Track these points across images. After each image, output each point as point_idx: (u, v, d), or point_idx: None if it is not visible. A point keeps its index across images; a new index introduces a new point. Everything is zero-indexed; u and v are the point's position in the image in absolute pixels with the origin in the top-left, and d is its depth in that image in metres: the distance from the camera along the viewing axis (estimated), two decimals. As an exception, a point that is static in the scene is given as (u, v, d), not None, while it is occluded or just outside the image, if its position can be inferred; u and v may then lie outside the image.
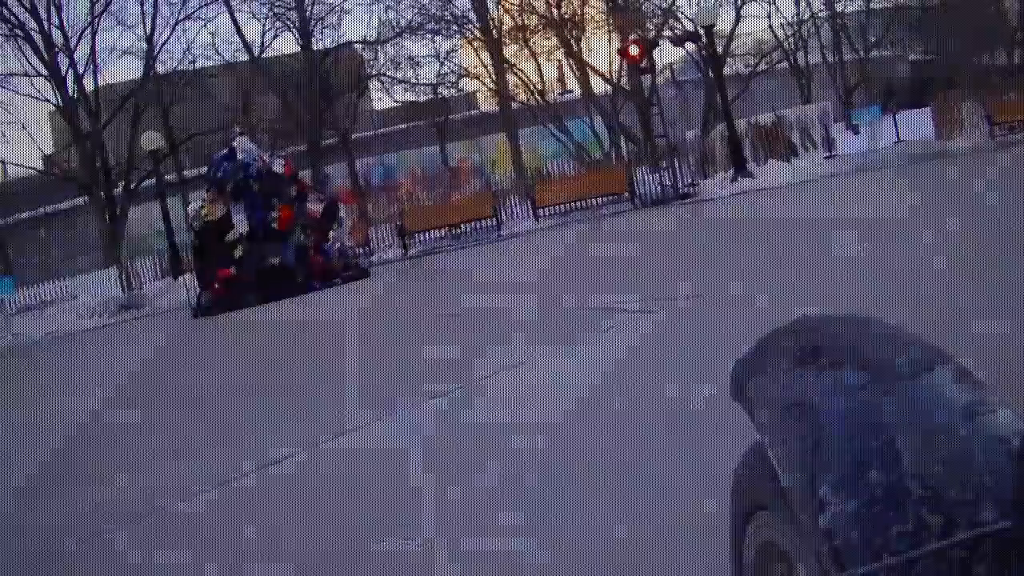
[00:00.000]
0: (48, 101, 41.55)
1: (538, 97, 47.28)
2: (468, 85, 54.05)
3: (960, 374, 1.51)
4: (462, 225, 34.48)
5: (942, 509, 1.30)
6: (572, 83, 56.11)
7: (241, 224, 24.56)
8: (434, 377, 8.69)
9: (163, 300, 31.01)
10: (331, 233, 25.65)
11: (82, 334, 28.46)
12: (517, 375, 8.25)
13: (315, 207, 25.74)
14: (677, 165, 32.20)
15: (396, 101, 52.83)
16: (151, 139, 31.07)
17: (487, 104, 55.39)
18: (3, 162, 52.73)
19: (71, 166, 44.68)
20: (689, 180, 32.13)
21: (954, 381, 1.50)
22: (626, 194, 33.12)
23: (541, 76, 49.23)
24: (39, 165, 45.34)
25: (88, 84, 42.34)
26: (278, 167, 25.98)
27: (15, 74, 41.83)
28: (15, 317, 35.40)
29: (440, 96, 51.04)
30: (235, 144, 25.75)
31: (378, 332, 13.17)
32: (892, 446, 1.39)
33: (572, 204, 34.12)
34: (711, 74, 46.74)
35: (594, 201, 33.93)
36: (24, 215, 50.85)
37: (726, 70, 41.83)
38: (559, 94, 54.01)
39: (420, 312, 14.38)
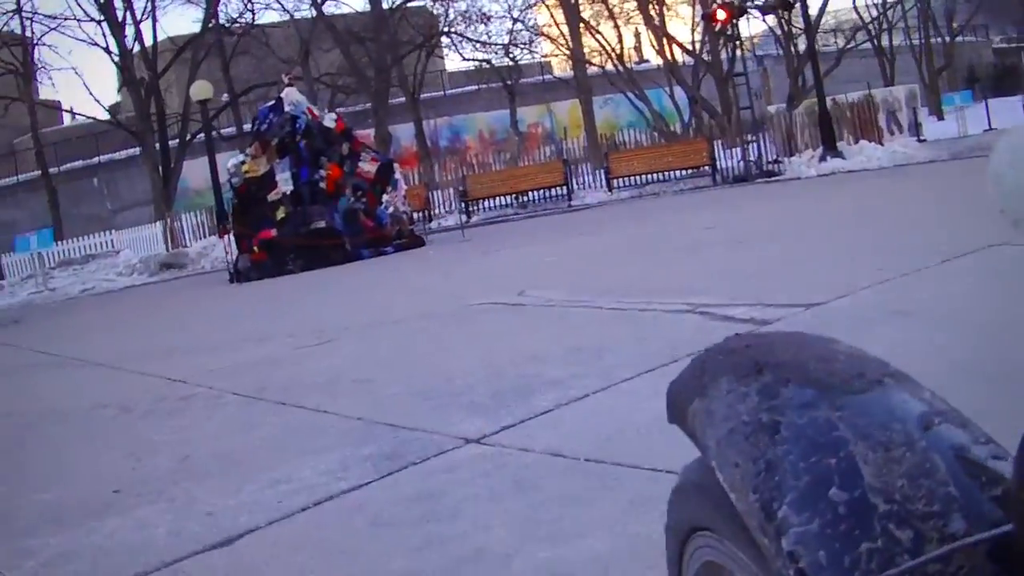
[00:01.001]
0: (104, 48, 39.83)
1: (616, 62, 44.88)
2: (541, 47, 52.26)
3: (909, 385, 1.51)
4: (530, 193, 32.68)
5: (910, 523, 1.26)
6: (648, 54, 54.54)
7: (285, 183, 22.35)
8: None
9: (206, 260, 29.22)
10: (385, 196, 23.37)
11: (116, 293, 26.60)
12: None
13: (368, 167, 23.45)
14: (762, 141, 29.73)
15: (466, 59, 51.04)
16: (201, 89, 28.97)
17: (559, 69, 53.79)
18: (69, 110, 51.24)
19: (126, 115, 42.99)
20: (773, 157, 29.73)
21: (904, 392, 1.48)
22: (706, 169, 31.10)
23: (620, 39, 47.06)
24: (98, 112, 43.74)
25: (146, 32, 41.14)
26: (329, 122, 23.67)
27: (71, 19, 40.48)
28: (55, 271, 33.97)
29: (512, 56, 49.10)
30: (282, 95, 23.49)
31: (429, 321, 10.89)
32: (851, 462, 1.35)
33: (648, 176, 32.33)
34: (792, 50, 45.48)
35: (672, 175, 32.10)
36: (78, 163, 49.52)
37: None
38: (635, 63, 52.05)
39: (485, 294, 12.07)
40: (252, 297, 17.98)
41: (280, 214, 22.25)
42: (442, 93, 56.32)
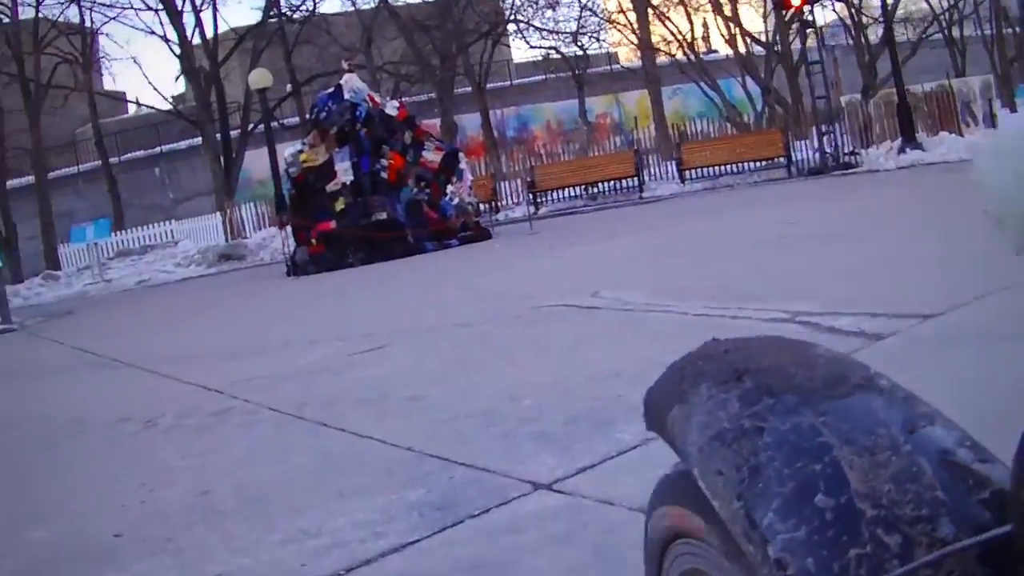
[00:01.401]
0: (162, 37, 39.28)
1: (688, 51, 43.73)
2: (609, 35, 51.24)
3: (891, 389, 1.48)
4: (599, 184, 31.68)
5: (898, 528, 1.24)
6: (716, 44, 53.60)
7: (345, 172, 21.43)
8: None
9: (265, 252, 28.48)
10: (449, 187, 22.41)
11: (172, 286, 26.00)
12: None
13: (432, 156, 22.47)
14: (837, 132, 28.56)
15: (533, 47, 50.17)
16: (260, 77, 28.17)
17: (626, 59, 52.91)
18: (135, 101, 50.96)
19: (188, 105, 42.56)
20: (849, 148, 28.51)
21: (888, 396, 1.46)
22: (781, 160, 29.98)
23: (692, 26, 45.95)
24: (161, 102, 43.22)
25: (207, 21, 40.68)
26: (391, 109, 22.71)
27: (128, 8, 40.06)
28: (113, 261, 33.47)
29: (580, 44, 48.16)
30: (342, 82, 22.54)
31: (494, 325, 9.89)
32: (836, 467, 1.33)
33: (721, 168, 31.33)
34: (862, 40, 44.11)
35: (745, 166, 31.08)
36: (140, 153, 49.13)
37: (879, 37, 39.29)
38: (703, 53, 51.00)
39: (556, 294, 11.05)
40: (307, 292, 17.09)
41: (339, 205, 21.35)
42: (509, 83, 55.62)
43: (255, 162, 40.91)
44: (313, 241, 21.24)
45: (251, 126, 39.66)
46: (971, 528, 1.23)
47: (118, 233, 38.15)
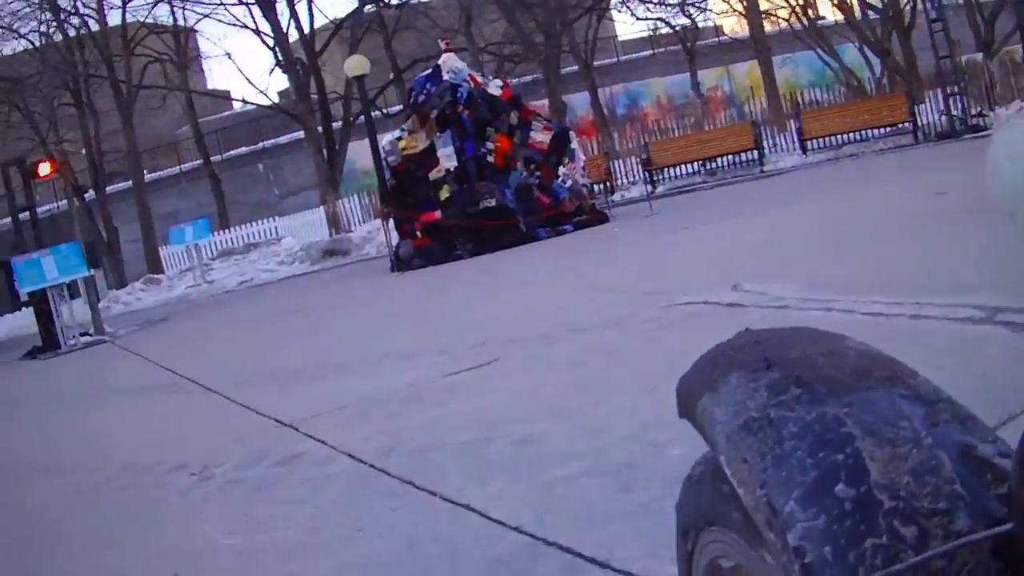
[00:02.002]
0: (254, 30, 38.45)
1: (802, 15, 41.78)
2: (715, 5, 49.51)
3: (919, 383, 1.49)
4: (717, 159, 29.89)
5: (915, 520, 1.26)
6: (823, 10, 51.67)
7: (448, 158, 19.93)
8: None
9: (371, 246, 27.19)
10: (561, 169, 20.83)
11: (273, 286, 24.87)
12: None
13: (541, 137, 20.89)
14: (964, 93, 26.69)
15: (639, 18, 48.64)
16: (356, 64, 26.78)
17: (730, 31, 51.50)
18: (241, 99, 50.43)
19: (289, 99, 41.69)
20: (976, 110, 26.40)
21: (913, 390, 1.47)
22: (906, 126, 28.02)
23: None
24: (264, 97, 42.36)
25: (302, 12, 39.58)
26: (494, 89, 21.17)
27: (220, 3, 39.40)
28: (216, 262, 32.56)
29: (688, 14, 46.52)
30: (440, 62, 21.04)
31: (620, 330, 8.32)
32: (857, 458, 1.34)
33: (843, 137, 29.47)
34: None
35: (868, 134, 29.10)
36: (242, 150, 48.40)
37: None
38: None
39: (689, 288, 9.47)
40: (410, 290, 15.68)
41: (444, 194, 19.88)
42: (616, 59, 54.18)
43: (360, 152, 39.60)
44: (418, 233, 19.82)
45: (353, 116, 38.48)
46: (987, 522, 1.22)
47: (220, 232, 37.35)
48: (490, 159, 20.11)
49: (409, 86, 23.73)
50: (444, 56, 20.89)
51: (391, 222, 20.68)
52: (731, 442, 1.51)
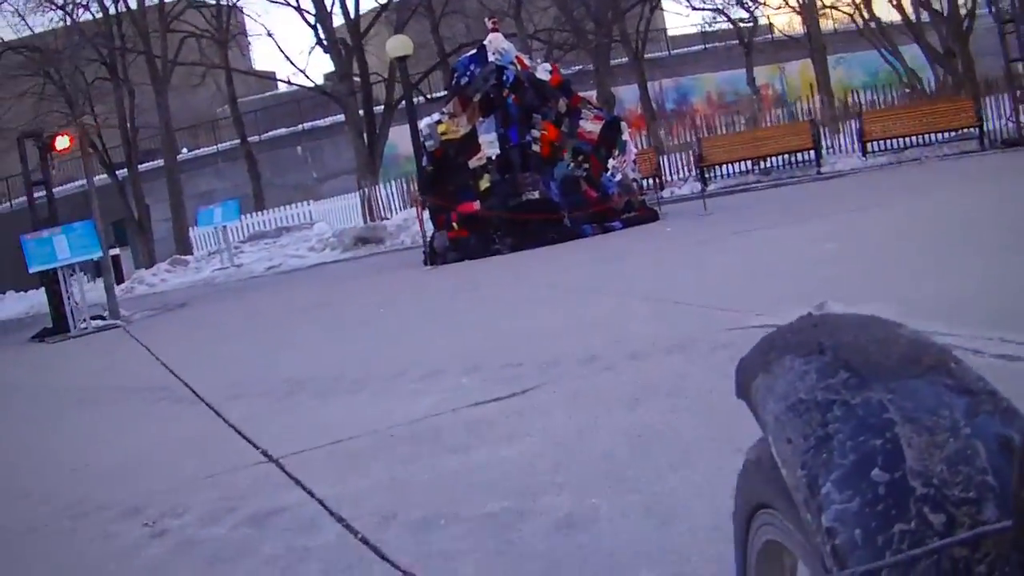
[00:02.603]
0: (295, 7, 37.35)
1: (866, 12, 40.28)
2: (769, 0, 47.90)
3: (963, 372, 1.48)
4: (771, 158, 28.37)
5: (944, 508, 1.27)
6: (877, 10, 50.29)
7: (490, 145, 18.54)
8: None
9: (406, 234, 25.90)
10: (611, 161, 19.39)
11: (300, 273, 23.65)
12: None
13: (591, 126, 19.46)
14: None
15: (696, 8, 47.72)
16: (398, 44, 25.46)
17: (779, 30, 50.03)
18: (287, 80, 49.49)
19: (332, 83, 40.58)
20: (1047, 118, 25.15)
21: (958, 379, 1.46)
22: (971, 131, 26.39)
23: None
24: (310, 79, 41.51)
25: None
26: (543, 73, 19.73)
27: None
28: (246, 245, 31.43)
29: (747, 7, 45.18)
30: (486, 42, 19.58)
31: (683, 356, 6.89)
32: (895, 444, 1.35)
33: (904, 140, 27.84)
34: None
35: (931, 137, 27.54)
36: (282, 131, 47.27)
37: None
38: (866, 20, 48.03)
39: (759, 303, 8.05)
40: (442, 287, 14.29)
41: (484, 183, 18.49)
42: (667, 52, 52.96)
43: (402, 138, 38.36)
44: (454, 225, 18.46)
45: (395, 100, 37.16)
46: (1016, 514, 1.23)
47: (254, 215, 36.25)
48: (535, 148, 18.71)
49: (452, 67, 22.22)
50: (490, 36, 19.44)
51: (426, 212, 19.35)
52: (778, 423, 1.51)
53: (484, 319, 10.14)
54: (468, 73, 19.10)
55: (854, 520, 1.29)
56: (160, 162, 40.35)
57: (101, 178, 41.42)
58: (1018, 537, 1.19)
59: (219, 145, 47.75)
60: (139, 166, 40.51)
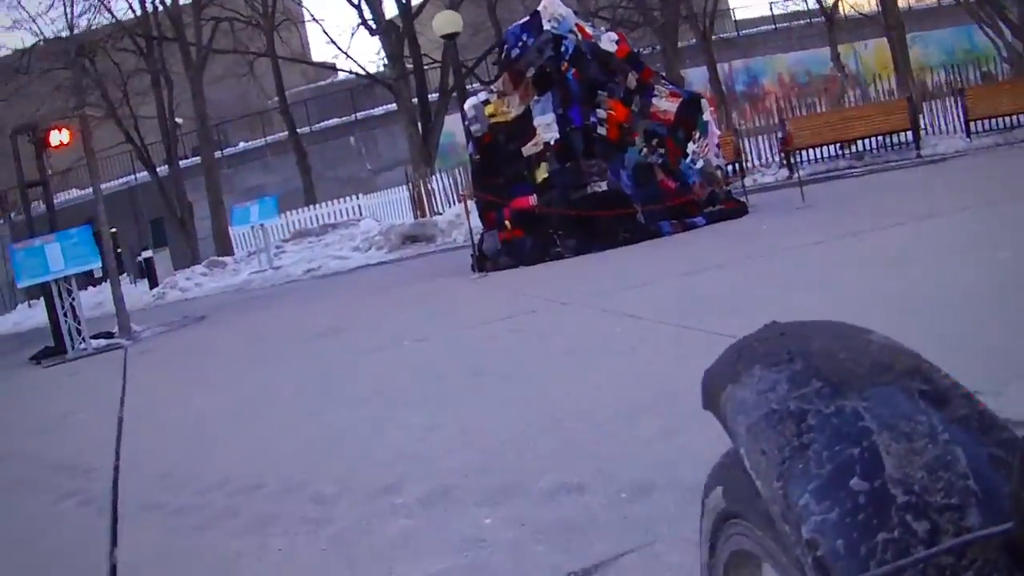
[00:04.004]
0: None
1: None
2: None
3: (937, 377, 1.47)
4: (861, 141, 25.44)
5: (927, 515, 1.25)
6: None
7: (548, 129, 15.76)
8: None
9: (459, 232, 23.27)
10: (691, 145, 16.55)
11: (340, 277, 21.25)
12: None
13: (666, 105, 16.59)
14: None
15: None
16: (446, 20, 22.78)
17: (847, 9, 47.58)
18: (348, 70, 47.51)
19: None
20: None
21: (933, 385, 1.45)
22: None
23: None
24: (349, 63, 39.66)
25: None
26: (608, 44, 16.78)
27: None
28: (288, 244, 29.10)
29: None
30: (540, 8, 16.56)
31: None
32: (873, 452, 1.33)
33: (1012, 119, 25.25)
34: None
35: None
36: (334, 121, 44.94)
37: None
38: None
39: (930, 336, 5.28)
40: (487, 307, 11.41)
41: (541, 173, 15.73)
42: (735, 33, 50.39)
43: (460, 126, 36.17)
44: (506, 224, 15.73)
45: (451, 86, 34.47)
46: (1000, 519, 1.22)
47: (298, 211, 33.88)
48: (601, 131, 15.90)
49: (501, 37, 19.24)
50: (544, 1, 16.54)
51: (474, 207, 16.66)
52: (751, 434, 1.50)
53: (530, 374, 7.12)
54: (520, 44, 16.27)
55: (835, 531, 1.26)
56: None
57: (142, 175, 39.57)
58: (1019, 538, 1.16)
59: (267, 138, 45.51)
60: (182, 161, 38.62)
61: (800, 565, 1.32)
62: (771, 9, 51.85)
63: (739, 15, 55.06)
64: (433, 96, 35.47)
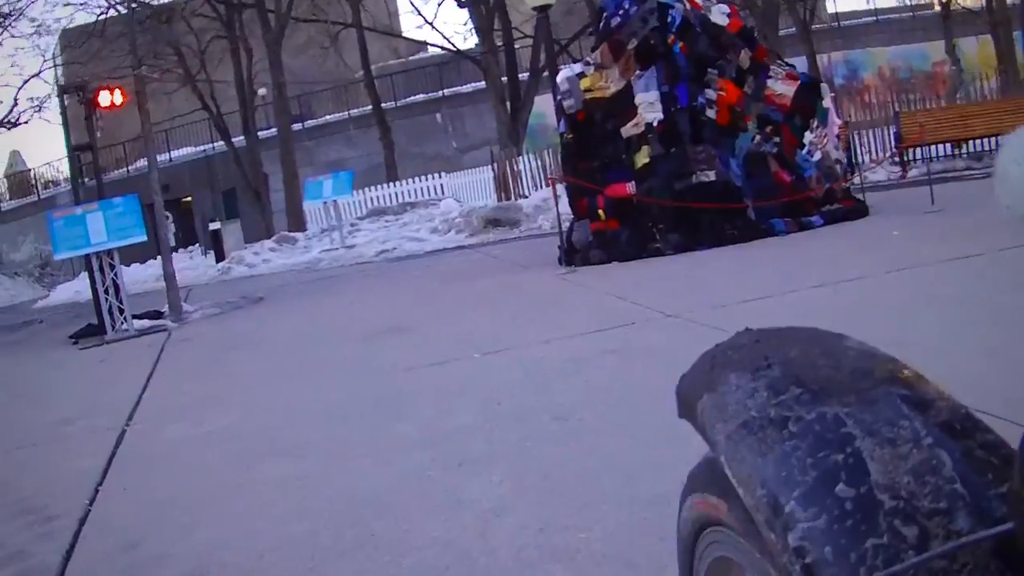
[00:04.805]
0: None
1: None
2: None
3: (919, 382, 1.50)
4: (980, 141, 23.25)
5: (916, 520, 1.27)
6: None
7: (651, 108, 13.92)
8: None
9: (545, 218, 21.67)
10: (808, 135, 14.60)
11: (412, 262, 19.62)
12: None
13: (782, 88, 14.63)
14: None
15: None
16: (539, -10, 21.02)
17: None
18: (446, 46, 46.00)
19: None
20: None
21: (914, 389, 1.47)
22: None
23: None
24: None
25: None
26: (719, 16, 14.79)
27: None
28: (364, 222, 27.65)
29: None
30: (645, -28, 14.77)
31: None
32: (858, 458, 1.35)
33: None
34: None
35: None
36: (420, 97, 43.49)
37: None
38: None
39: None
40: (577, 312, 9.68)
41: (642, 158, 13.85)
42: (836, 24, 48.47)
43: (551, 106, 34.54)
44: (600, 213, 13.92)
45: (542, 65, 32.76)
46: (988, 522, 1.22)
47: (377, 188, 32.44)
48: (710, 113, 14.04)
49: (599, 4, 17.27)
50: (650, -34, 14.68)
51: (564, 194, 14.86)
52: (731, 442, 1.50)
53: (637, 425, 5.26)
54: (620, 12, 14.41)
55: (823, 537, 1.26)
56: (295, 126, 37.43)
57: (220, 145, 38.44)
58: (1018, 538, 1.15)
59: (350, 111, 44.00)
60: (261, 132, 37.49)
61: (787, 572, 1.30)
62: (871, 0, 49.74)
63: (838, 6, 53.23)
64: (523, 76, 33.86)
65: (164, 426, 7.14)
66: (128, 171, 40.87)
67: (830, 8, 51.40)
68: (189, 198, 42.11)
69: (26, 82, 36.39)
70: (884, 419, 1.38)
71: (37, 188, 46.35)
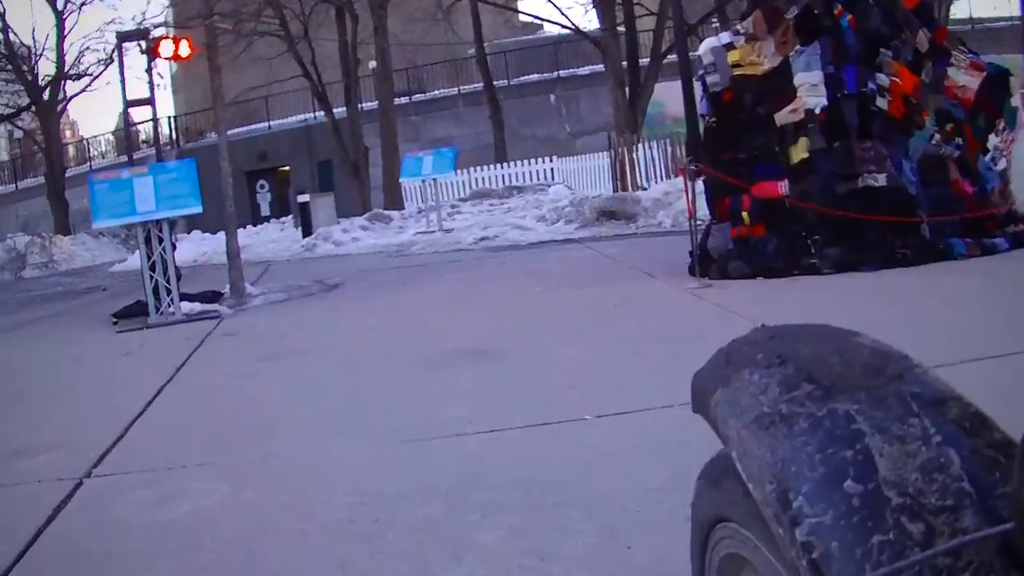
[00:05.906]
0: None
1: None
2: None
3: (930, 380, 1.49)
4: None
5: (923, 517, 1.26)
6: None
7: (812, 91, 11.41)
8: None
9: (666, 214, 19.42)
10: (992, 138, 12.13)
11: (512, 255, 17.32)
12: None
13: (965, 79, 12.03)
14: None
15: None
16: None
17: None
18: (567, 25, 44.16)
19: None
20: None
21: (924, 387, 1.46)
22: None
23: None
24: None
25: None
26: (898, -10, 12.49)
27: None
28: (466, 204, 25.96)
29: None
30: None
31: None
32: (867, 455, 1.35)
33: None
34: None
35: None
36: (534, 77, 42.06)
37: None
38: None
39: None
40: (717, 345, 7.45)
41: (799, 152, 11.34)
42: (969, 27, 45.69)
43: (671, 95, 32.11)
44: (744, 216, 11.45)
45: (664, 51, 30.81)
46: (994, 520, 1.21)
47: (484, 168, 30.47)
48: (881, 103, 11.49)
49: None
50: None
51: (701, 186, 12.36)
52: (742, 437, 1.50)
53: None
54: (776, -27, 12.01)
55: (830, 533, 1.26)
56: (399, 101, 35.78)
57: (321, 114, 36.97)
58: (1019, 538, 1.14)
59: (461, 87, 42.37)
60: (366, 104, 35.98)
61: (795, 567, 1.30)
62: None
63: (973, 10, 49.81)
64: (644, 61, 31.62)
65: (126, 490, 4.98)
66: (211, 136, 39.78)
67: (963, 12, 48.58)
68: (288, 167, 40.73)
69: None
70: (894, 416, 1.36)
71: (129, 148, 45.34)
